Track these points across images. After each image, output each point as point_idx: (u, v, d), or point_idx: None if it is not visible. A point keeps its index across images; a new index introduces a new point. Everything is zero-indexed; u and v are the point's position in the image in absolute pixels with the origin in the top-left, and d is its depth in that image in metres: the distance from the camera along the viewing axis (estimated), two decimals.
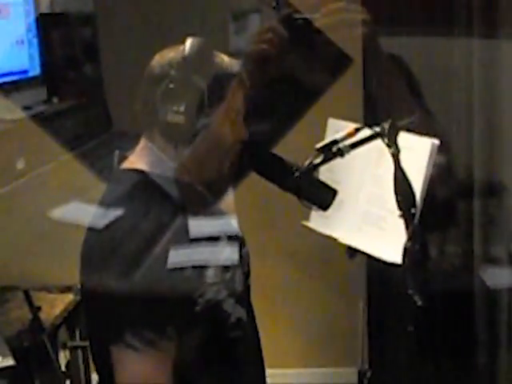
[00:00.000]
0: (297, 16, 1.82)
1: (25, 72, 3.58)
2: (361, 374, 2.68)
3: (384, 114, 1.99)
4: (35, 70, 3.67)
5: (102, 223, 1.74)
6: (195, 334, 1.73)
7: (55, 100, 3.85)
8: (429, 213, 1.96)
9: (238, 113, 1.79)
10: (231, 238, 1.86)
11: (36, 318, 2.69)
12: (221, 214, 1.90)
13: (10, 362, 2.33)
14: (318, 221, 2.17)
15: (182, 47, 1.77)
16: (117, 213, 1.73)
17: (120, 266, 1.67)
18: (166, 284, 1.68)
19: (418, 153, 1.94)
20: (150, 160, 1.80)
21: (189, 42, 1.77)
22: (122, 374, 1.67)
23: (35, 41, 3.63)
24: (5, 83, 3.36)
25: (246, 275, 1.94)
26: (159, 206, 1.74)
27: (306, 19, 1.81)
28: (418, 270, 1.75)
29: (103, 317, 1.73)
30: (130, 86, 3.94)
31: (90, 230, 1.79)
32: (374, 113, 3.50)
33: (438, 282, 3.05)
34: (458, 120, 3.49)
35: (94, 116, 4.19)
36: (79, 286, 1.86)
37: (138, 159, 1.82)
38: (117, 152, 3.31)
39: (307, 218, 2.21)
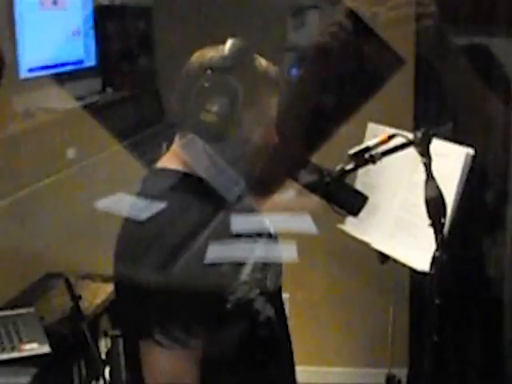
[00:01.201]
0: (360, 12, 1.82)
1: (80, 62, 3.62)
2: (389, 379, 2.65)
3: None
4: (91, 61, 3.71)
5: (139, 217, 1.76)
6: (225, 332, 1.75)
7: (109, 90, 3.89)
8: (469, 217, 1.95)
9: (271, 119, 1.81)
10: (265, 236, 1.87)
11: (76, 306, 2.72)
12: (255, 212, 1.91)
13: (46, 349, 2.37)
14: (352, 224, 2.18)
15: (221, 47, 1.78)
16: (155, 209, 1.75)
17: (158, 260, 1.69)
18: (202, 279, 1.70)
19: (452, 161, 1.94)
20: (184, 159, 1.82)
21: (229, 42, 1.78)
22: (149, 369, 1.70)
23: (91, 32, 3.68)
24: (60, 73, 3.40)
25: (278, 274, 1.95)
26: (197, 203, 1.76)
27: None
28: (445, 279, 1.74)
29: (134, 311, 1.75)
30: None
31: (127, 223, 1.81)
32: (424, 117, 3.47)
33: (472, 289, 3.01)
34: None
35: (147, 107, 4.22)
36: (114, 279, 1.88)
37: (173, 158, 1.84)
38: (165, 144, 3.36)
39: (343, 220, 2.23)
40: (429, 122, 3.09)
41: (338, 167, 1.77)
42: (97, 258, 3.52)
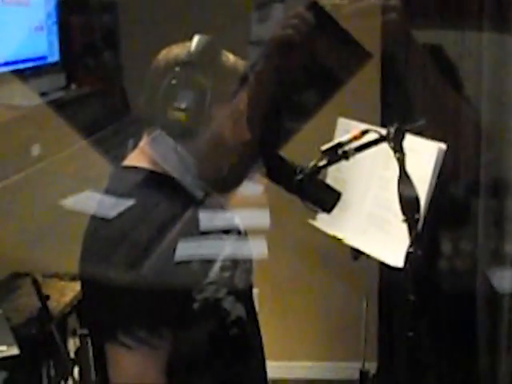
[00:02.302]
0: (323, 4, 1.80)
1: (43, 58, 3.56)
2: (363, 374, 2.64)
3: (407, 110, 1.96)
4: (54, 57, 3.65)
5: (106, 215, 1.73)
6: (193, 332, 1.73)
7: (73, 86, 3.84)
8: (438, 212, 1.95)
9: (241, 114, 1.78)
10: (234, 233, 1.85)
11: (44, 307, 2.69)
12: (224, 209, 1.89)
13: (14, 351, 2.33)
14: (324, 220, 2.16)
15: (188, 43, 1.76)
16: (122, 206, 1.73)
17: (125, 259, 1.67)
18: (170, 279, 1.67)
19: (424, 157, 1.93)
20: (151, 157, 1.80)
21: (196, 39, 1.77)
22: (115, 371, 1.67)
23: (55, 27, 3.62)
24: (23, 69, 3.35)
25: (249, 272, 1.93)
26: (165, 201, 1.74)
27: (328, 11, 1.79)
28: (418, 275, 1.74)
29: (99, 311, 1.72)
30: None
31: (94, 221, 1.78)
32: (391, 111, 3.48)
33: (444, 284, 3.03)
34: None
35: (112, 103, 4.19)
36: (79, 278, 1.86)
37: (140, 156, 1.82)
38: (131, 141, 3.33)
39: (314, 216, 2.21)
40: (396, 116, 3.08)
41: (311, 163, 1.75)
42: (64, 256, 3.49)
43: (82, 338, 3.22)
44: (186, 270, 1.69)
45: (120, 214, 1.69)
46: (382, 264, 1.94)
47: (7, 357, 2.29)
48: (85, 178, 3.48)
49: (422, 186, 1.85)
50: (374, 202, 2.06)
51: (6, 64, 3.23)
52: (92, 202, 3.33)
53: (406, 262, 1.72)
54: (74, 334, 3.15)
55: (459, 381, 3.09)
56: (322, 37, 1.83)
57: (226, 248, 1.79)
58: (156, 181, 1.76)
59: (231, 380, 1.84)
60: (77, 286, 3.20)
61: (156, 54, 1.87)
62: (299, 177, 1.75)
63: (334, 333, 4.12)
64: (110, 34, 4.07)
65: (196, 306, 1.72)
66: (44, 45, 3.57)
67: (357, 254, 2.09)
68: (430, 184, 1.89)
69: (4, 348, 2.32)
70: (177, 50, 1.78)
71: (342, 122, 2.19)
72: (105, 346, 1.68)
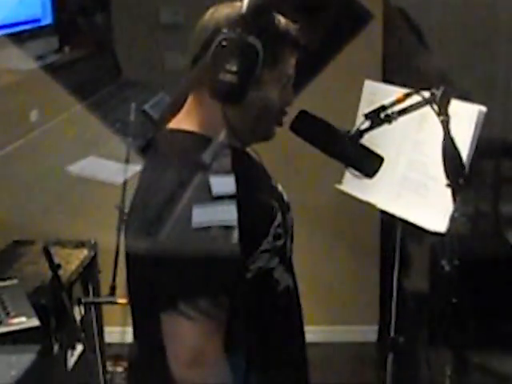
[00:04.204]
0: None
1: (37, 21, 3.48)
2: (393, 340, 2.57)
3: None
4: (47, 19, 3.57)
5: (155, 180, 1.67)
6: (245, 302, 1.68)
7: (66, 49, 3.76)
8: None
9: (289, 78, 1.74)
10: (281, 203, 1.81)
11: (56, 276, 2.63)
12: (269, 178, 1.85)
13: (35, 322, 2.28)
14: (352, 184, 2.12)
15: (239, 4, 1.70)
16: (169, 173, 1.67)
17: (180, 229, 1.61)
18: (225, 247, 1.62)
19: (464, 119, 1.89)
20: (198, 120, 1.74)
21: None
22: (173, 341, 1.61)
23: None
24: (18, 32, 3.27)
25: (292, 241, 1.89)
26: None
27: None
28: (463, 241, 1.72)
29: (157, 282, 1.66)
30: (139, 35, 3.88)
31: (142, 190, 1.74)
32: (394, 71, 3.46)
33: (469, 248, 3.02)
34: None
35: (104, 65, 4.12)
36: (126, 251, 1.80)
37: (185, 118, 1.76)
38: (133, 105, 3.26)
39: (340, 180, 2.17)
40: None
41: (354, 128, 1.71)
42: (66, 223, 3.44)
43: (86, 306, 3.17)
44: (237, 239, 1.63)
45: (169, 180, 1.63)
46: (420, 228, 1.91)
47: (28, 328, 2.24)
48: (84, 142, 3.43)
49: (463, 150, 1.82)
50: (408, 166, 2.02)
51: (2, 27, 3.15)
52: (95, 167, 3.28)
53: (449, 228, 1.70)
54: (80, 302, 3.09)
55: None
56: None
57: (278, 215, 1.74)
58: (203, 144, 1.70)
59: (279, 350, 1.80)
60: (81, 254, 3.15)
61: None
62: (342, 141, 1.71)
63: (349, 296, 4.10)
64: None
65: (249, 275, 1.68)
66: (37, 7, 3.48)
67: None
68: (471, 147, 1.86)
69: (24, 319, 2.28)
70: (227, 10, 1.72)
71: (369, 85, 2.15)
72: (161, 317, 1.63)
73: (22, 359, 2.19)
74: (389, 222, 3.50)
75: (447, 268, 1.87)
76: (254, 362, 1.73)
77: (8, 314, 2.32)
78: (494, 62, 3.75)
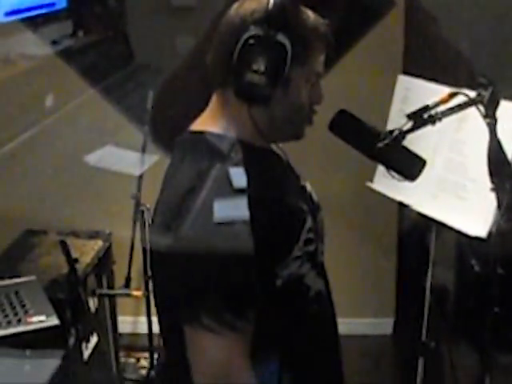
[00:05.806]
0: None
1: (52, 5, 3.43)
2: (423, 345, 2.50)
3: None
4: (62, 3, 3.52)
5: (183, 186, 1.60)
6: (275, 310, 1.60)
7: (80, 34, 3.70)
8: None
9: (318, 77, 1.66)
10: (311, 205, 1.74)
11: (73, 270, 2.57)
12: (297, 178, 1.78)
13: (54, 321, 2.21)
14: (386, 184, 2.05)
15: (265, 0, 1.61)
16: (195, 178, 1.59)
17: (205, 234, 1.53)
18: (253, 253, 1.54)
19: (504, 120, 1.82)
20: (223, 121, 1.66)
21: None
22: (197, 356, 1.54)
23: None
24: (34, 17, 3.20)
25: (324, 244, 1.82)
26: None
27: None
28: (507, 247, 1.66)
29: (179, 292, 1.58)
30: (152, 20, 3.81)
31: (169, 192, 1.66)
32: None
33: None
34: None
35: (117, 50, 4.06)
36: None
37: (209, 120, 1.68)
38: (151, 93, 3.19)
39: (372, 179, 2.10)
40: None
41: (396, 129, 1.64)
42: (79, 213, 3.38)
43: (100, 298, 3.12)
44: (269, 244, 1.56)
45: (197, 186, 1.55)
46: (458, 232, 1.84)
47: (47, 327, 2.18)
48: (99, 129, 3.36)
49: (509, 153, 1.76)
50: (445, 166, 1.95)
51: (16, 12, 3.08)
52: (113, 157, 3.22)
53: (491, 233, 1.63)
54: (93, 294, 3.03)
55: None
56: None
57: (308, 219, 1.66)
58: (231, 148, 1.62)
59: (311, 357, 1.73)
60: (96, 245, 3.09)
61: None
62: (383, 142, 1.64)
63: (351, 288, 4.05)
64: None
65: (279, 282, 1.60)
66: None
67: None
68: None
69: (43, 318, 2.21)
70: (253, 6, 1.61)
71: (403, 80, 2.08)
72: (184, 330, 1.56)
73: (46, 362, 2.13)
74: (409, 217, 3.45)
75: (476, 268, 1.80)
76: (288, 369, 1.66)
77: (26, 312, 2.25)
78: None
